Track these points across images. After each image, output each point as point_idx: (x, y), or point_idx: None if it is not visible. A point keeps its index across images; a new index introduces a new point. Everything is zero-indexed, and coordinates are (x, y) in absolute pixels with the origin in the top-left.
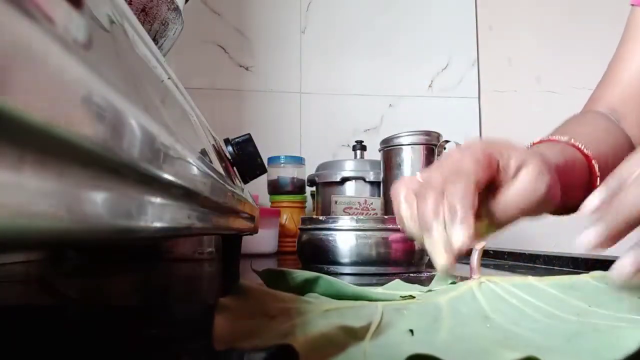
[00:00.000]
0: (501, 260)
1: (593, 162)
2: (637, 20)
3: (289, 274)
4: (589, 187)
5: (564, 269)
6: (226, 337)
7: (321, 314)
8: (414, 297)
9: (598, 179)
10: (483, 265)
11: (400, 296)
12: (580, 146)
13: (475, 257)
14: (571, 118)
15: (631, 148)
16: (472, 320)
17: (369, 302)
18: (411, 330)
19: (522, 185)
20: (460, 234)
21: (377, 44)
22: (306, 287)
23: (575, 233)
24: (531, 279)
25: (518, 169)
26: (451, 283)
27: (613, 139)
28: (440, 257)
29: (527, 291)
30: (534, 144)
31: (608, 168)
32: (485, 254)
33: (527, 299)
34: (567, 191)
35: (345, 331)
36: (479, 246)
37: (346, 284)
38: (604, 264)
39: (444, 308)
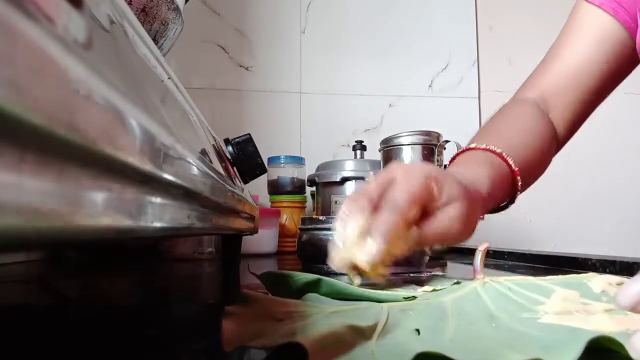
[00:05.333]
0: (501, 260)
1: (518, 177)
2: (578, 14)
3: (289, 276)
4: (512, 192)
5: (564, 268)
6: (234, 338)
7: (327, 316)
8: (415, 298)
9: (520, 186)
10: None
11: (404, 297)
12: (510, 162)
13: (478, 258)
14: (501, 114)
15: (554, 141)
16: (478, 319)
17: (374, 303)
18: (417, 330)
19: (442, 224)
20: (370, 250)
21: (377, 44)
22: (307, 290)
23: (574, 234)
24: (533, 279)
25: (446, 204)
26: (455, 283)
27: (539, 138)
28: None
29: (531, 289)
30: (466, 149)
31: (530, 170)
32: (486, 254)
33: (531, 296)
34: (493, 201)
35: (353, 330)
36: (482, 247)
37: (348, 285)
38: (604, 264)
39: (449, 308)
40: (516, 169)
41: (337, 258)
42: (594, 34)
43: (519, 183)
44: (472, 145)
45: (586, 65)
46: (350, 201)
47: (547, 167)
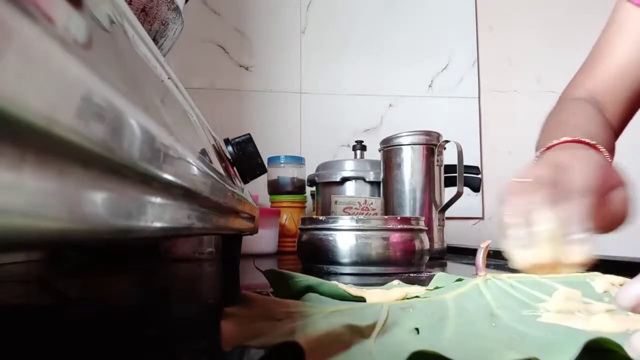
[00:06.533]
0: (501, 260)
1: (609, 159)
2: (619, 14)
3: (291, 277)
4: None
5: None
6: (233, 338)
7: (327, 315)
8: (417, 296)
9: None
10: None
11: (406, 297)
12: (606, 155)
13: (480, 255)
14: (565, 111)
15: (615, 138)
16: (478, 318)
17: (375, 302)
18: (417, 329)
19: (616, 207)
20: (583, 251)
21: (378, 44)
22: (309, 292)
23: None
24: (536, 277)
25: (620, 201)
26: (457, 280)
27: (609, 134)
28: (538, 255)
29: (533, 286)
30: (557, 143)
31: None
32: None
33: (533, 293)
34: None
35: (351, 329)
36: (484, 244)
37: (348, 288)
38: (604, 264)
39: (451, 306)
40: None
41: (527, 258)
42: (637, 35)
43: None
44: (566, 139)
45: (632, 66)
46: (519, 193)
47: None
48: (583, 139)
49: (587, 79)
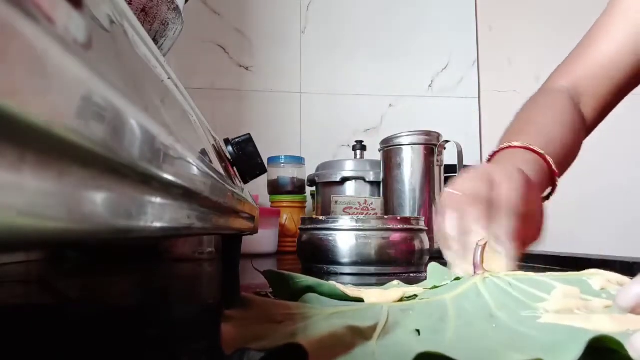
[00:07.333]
0: None
1: (557, 178)
2: (619, 1)
3: (291, 278)
4: (550, 184)
5: (564, 269)
6: (233, 340)
7: (327, 317)
8: (416, 297)
9: (557, 178)
10: None
11: (405, 297)
12: (551, 163)
13: (478, 253)
14: (535, 105)
15: (584, 132)
16: (478, 319)
17: (375, 303)
18: (418, 331)
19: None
20: (505, 264)
21: (377, 44)
22: (309, 292)
23: (574, 235)
24: (533, 275)
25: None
26: (455, 279)
27: (573, 131)
28: (465, 265)
29: (531, 284)
30: (507, 147)
31: (564, 164)
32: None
33: (531, 292)
34: None
35: (353, 331)
36: (481, 242)
37: (347, 288)
38: (604, 264)
39: (450, 307)
40: (556, 170)
41: (462, 268)
42: (635, 24)
43: (557, 184)
44: (514, 144)
45: (624, 57)
46: (454, 205)
47: (575, 159)
48: (533, 147)
49: (576, 66)
